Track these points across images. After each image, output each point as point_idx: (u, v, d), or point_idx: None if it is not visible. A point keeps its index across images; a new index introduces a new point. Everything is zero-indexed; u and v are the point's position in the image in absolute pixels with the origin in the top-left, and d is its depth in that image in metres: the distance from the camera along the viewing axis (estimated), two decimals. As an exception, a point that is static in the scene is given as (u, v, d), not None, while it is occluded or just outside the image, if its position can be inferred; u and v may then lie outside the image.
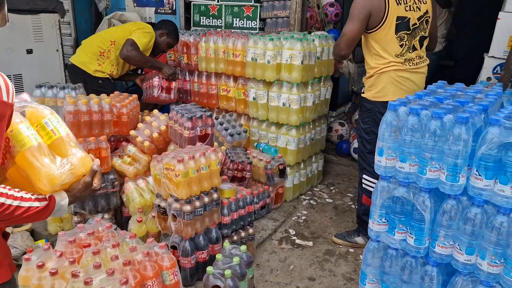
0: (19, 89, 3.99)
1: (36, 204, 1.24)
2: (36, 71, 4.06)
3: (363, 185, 2.86)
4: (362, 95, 2.79)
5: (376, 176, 2.74)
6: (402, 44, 2.57)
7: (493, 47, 3.09)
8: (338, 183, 4.02)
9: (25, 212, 1.20)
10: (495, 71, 3.11)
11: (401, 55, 2.59)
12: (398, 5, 2.53)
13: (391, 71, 2.60)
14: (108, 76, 3.66)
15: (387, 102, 2.53)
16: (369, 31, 2.60)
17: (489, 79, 3.11)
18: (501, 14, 3.03)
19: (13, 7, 3.81)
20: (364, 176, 2.85)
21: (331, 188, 3.91)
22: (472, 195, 1.56)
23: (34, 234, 2.93)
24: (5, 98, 1.12)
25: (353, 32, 2.58)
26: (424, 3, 2.62)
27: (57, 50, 4.29)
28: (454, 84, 2.20)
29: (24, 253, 2.56)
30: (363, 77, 2.84)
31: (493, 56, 3.09)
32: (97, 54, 3.61)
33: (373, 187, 2.76)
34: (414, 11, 2.57)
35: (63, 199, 1.32)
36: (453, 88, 2.10)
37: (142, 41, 3.52)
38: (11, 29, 3.84)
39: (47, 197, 1.28)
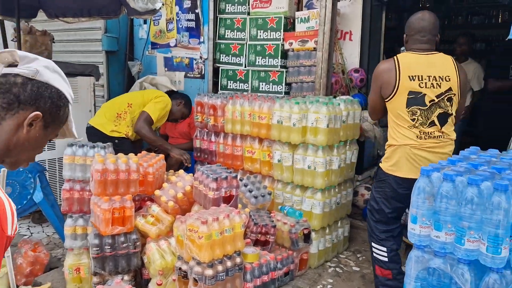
0: (51, 147, 4.13)
1: None
2: (68, 130, 4.22)
3: (374, 254, 2.77)
4: (379, 164, 2.76)
5: (384, 245, 2.71)
6: (414, 118, 2.52)
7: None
8: (365, 250, 3.85)
9: None
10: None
11: (413, 127, 2.52)
12: (411, 80, 2.50)
13: (407, 147, 2.53)
14: (124, 135, 3.78)
15: (400, 177, 2.57)
16: (385, 100, 2.64)
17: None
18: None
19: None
20: (373, 243, 2.77)
21: (358, 255, 3.74)
22: (517, 269, 1.46)
23: (52, 294, 2.86)
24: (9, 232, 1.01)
25: (371, 100, 2.78)
26: (447, 81, 2.52)
27: (90, 111, 4.48)
28: (488, 150, 2.14)
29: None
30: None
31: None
32: (114, 116, 3.79)
33: (382, 256, 2.72)
34: (433, 87, 2.50)
35: None
36: (487, 154, 2.04)
37: (156, 112, 3.82)
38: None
39: None
